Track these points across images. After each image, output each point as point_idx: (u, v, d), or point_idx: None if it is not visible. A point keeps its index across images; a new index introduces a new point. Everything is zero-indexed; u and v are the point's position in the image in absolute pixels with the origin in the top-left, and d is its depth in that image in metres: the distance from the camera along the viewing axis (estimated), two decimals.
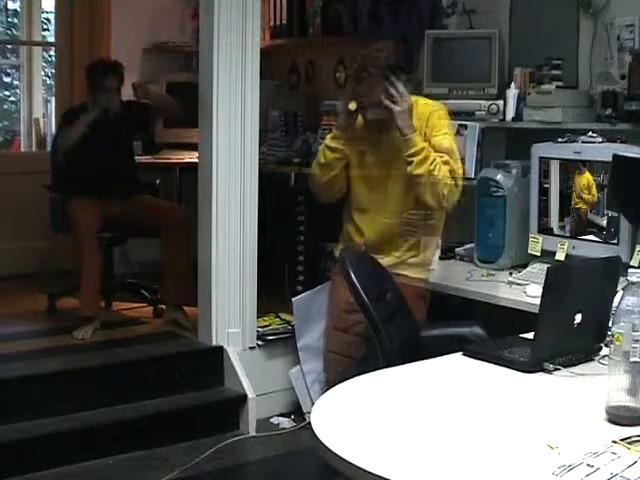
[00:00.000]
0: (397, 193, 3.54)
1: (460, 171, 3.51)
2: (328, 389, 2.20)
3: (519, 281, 3.71)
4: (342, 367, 3.51)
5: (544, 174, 3.88)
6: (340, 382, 2.26)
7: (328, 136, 3.61)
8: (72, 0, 5.79)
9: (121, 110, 4.80)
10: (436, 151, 3.45)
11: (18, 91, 6.79)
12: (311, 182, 3.75)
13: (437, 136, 3.49)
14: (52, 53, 6.52)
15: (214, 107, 4.10)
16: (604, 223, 3.66)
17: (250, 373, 4.24)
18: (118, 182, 4.79)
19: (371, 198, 3.59)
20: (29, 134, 6.42)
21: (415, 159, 3.40)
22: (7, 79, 7.40)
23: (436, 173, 3.40)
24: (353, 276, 2.89)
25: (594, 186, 3.71)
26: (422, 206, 3.53)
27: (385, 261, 3.54)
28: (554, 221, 3.87)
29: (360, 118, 3.58)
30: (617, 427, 1.91)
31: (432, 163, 3.40)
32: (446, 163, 3.44)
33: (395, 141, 3.50)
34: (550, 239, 3.85)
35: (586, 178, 3.74)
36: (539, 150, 3.89)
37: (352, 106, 3.50)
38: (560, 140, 3.82)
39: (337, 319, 3.60)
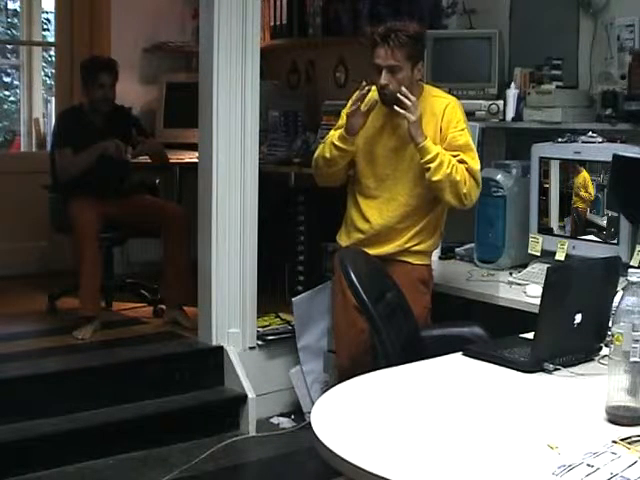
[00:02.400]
0: (407, 181, 3.51)
1: (477, 167, 3.47)
2: (328, 389, 2.20)
3: (519, 281, 3.71)
4: (347, 364, 3.51)
5: (544, 174, 3.88)
6: (343, 380, 2.26)
7: (336, 134, 3.55)
8: (72, 0, 5.79)
9: (113, 110, 4.82)
10: (451, 148, 3.43)
11: (18, 91, 6.79)
12: (314, 168, 3.72)
13: (453, 133, 3.46)
14: (52, 53, 6.52)
15: (214, 107, 4.10)
16: (604, 223, 3.66)
17: (250, 373, 4.23)
18: (115, 182, 4.80)
19: (380, 186, 3.55)
20: (29, 134, 6.42)
21: (432, 165, 3.37)
22: (7, 79, 7.41)
23: (454, 175, 3.38)
24: (353, 276, 2.89)
25: (590, 184, 3.71)
26: (444, 204, 3.55)
27: (388, 248, 3.54)
28: (554, 221, 3.87)
29: (375, 104, 3.53)
30: (617, 427, 1.91)
31: (449, 166, 3.38)
32: (462, 162, 3.42)
33: (406, 129, 3.47)
34: (550, 239, 3.85)
35: (582, 176, 3.74)
36: (539, 150, 3.90)
37: (364, 107, 3.48)
38: (560, 140, 3.82)
39: (345, 302, 3.56)
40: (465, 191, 3.42)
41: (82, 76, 4.80)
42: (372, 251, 3.48)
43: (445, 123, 3.48)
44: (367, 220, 3.58)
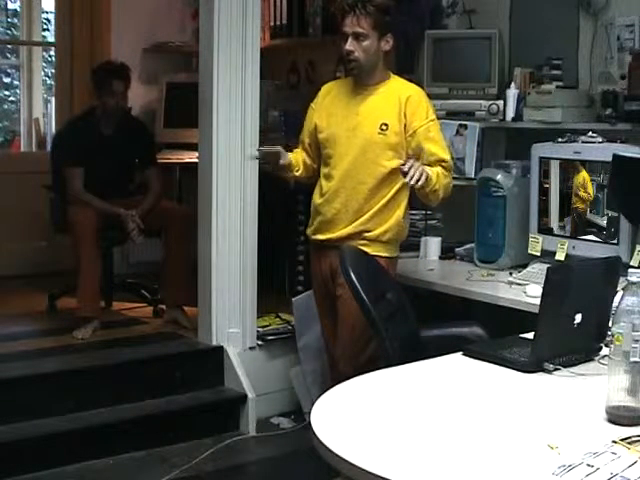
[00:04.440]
0: (365, 160, 3.49)
1: (448, 156, 3.51)
2: (328, 389, 2.20)
3: (519, 281, 3.71)
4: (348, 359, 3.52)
5: (544, 174, 3.88)
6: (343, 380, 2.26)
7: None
8: (72, 0, 5.79)
9: (126, 120, 4.82)
10: (424, 139, 3.44)
11: (18, 91, 6.79)
12: None
13: (426, 124, 3.47)
14: (52, 53, 6.52)
15: (214, 107, 4.10)
16: (604, 223, 3.66)
17: (250, 373, 4.24)
18: (117, 183, 4.81)
19: (339, 164, 3.54)
20: (29, 134, 6.42)
21: (437, 187, 3.40)
22: (7, 79, 7.39)
23: (447, 184, 3.46)
24: (353, 276, 2.89)
25: (589, 184, 3.71)
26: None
27: (346, 231, 3.51)
28: (554, 221, 3.87)
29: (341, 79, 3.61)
30: (617, 427, 1.91)
31: (443, 177, 3.42)
32: (439, 160, 3.45)
33: (371, 107, 3.51)
34: (550, 239, 3.85)
35: (582, 176, 3.74)
36: (539, 150, 3.89)
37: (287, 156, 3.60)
38: (560, 140, 3.82)
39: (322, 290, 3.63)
40: (450, 187, 3.50)
41: (94, 82, 4.79)
42: (330, 235, 3.52)
43: (411, 110, 3.47)
44: (327, 200, 3.57)
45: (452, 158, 3.60)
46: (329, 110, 3.61)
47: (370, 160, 3.49)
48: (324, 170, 3.61)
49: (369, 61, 3.47)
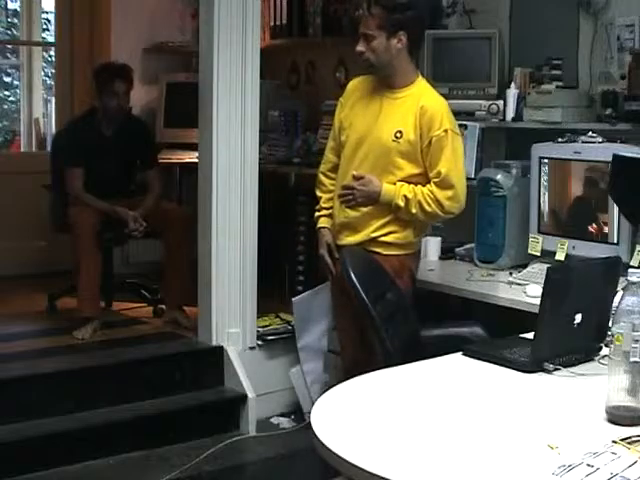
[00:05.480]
0: (377, 165, 3.47)
1: (445, 170, 3.42)
2: (328, 389, 2.20)
3: (519, 281, 3.71)
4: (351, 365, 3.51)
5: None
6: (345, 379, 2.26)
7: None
8: (72, 0, 5.80)
9: (128, 120, 4.82)
10: (435, 151, 3.42)
11: (18, 91, 6.80)
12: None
13: (438, 135, 3.41)
14: (52, 53, 6.52)
15: (214, 107, 4.10)
16: (604, 223, 3.66)
17: (250, 373, 4.24)
18: (118, 183, 4.81)
19: (350, 168, 3.53)
20: (29, 134, 6.42)
21: (399, 213, 3.46)
22: (7, 79, 7.41)
23: (425, 208, 3.44)
24: (353, 276, 2.89)
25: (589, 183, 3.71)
26: None
27: (358, 237, 3.51)
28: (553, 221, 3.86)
29: (365, 82, 3.60)
30: (617, 427, 1.91)
31: (414, 198, 3.43)
32: (434, 175, 3.44)
33: (389, 113, 3.49)
34: (550, 239, 3.85)
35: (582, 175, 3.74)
36: (539, 150, 3.89)
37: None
38: (560, 140, 3.82)
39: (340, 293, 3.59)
40: (436, 210, 3.44)
41: (96, 82, 4.79)
42: (345, 242, 3.51)
43: (425, 120, 3.43)
44: (340, 207, 3.57)
45: (453, 173, 3.46)
46: (353, 110, 3.59)
47: (382, 166, 3.48)
48: (339, 169, 3.61)
49: (381, 60, 3.45)
